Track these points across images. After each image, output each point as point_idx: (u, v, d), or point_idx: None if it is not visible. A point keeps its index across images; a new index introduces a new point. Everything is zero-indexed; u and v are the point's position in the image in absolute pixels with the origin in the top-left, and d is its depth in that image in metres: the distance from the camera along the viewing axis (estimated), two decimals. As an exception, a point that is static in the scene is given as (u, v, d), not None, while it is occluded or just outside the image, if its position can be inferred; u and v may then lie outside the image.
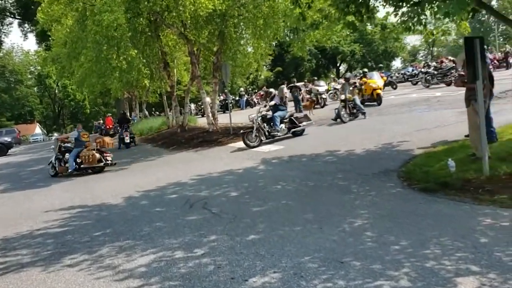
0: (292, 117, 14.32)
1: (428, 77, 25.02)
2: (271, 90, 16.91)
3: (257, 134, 13.61)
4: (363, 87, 18.47)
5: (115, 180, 11.58)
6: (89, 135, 14.81)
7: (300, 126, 14.15)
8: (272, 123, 13.84)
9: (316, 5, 8.25)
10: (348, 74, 18.92)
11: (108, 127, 30.45)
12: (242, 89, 37.96)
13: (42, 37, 37.83)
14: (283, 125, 13.95)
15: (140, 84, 21.66)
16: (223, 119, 22.31)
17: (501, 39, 65.25)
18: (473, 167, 6.96)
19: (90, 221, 7.44)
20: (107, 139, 14.13)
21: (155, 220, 6.82)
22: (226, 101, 32.25)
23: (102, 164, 13.65)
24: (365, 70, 23.31)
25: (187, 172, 11.13)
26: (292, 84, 20.78)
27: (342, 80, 33.84)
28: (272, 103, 14.30)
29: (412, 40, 79.48)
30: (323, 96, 22.30)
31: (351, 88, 16.16)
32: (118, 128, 22.62)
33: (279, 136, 13.94)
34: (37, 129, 67.90)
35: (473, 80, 6.45)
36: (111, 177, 12.38)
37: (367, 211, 5.84)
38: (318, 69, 59.20)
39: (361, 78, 20.29)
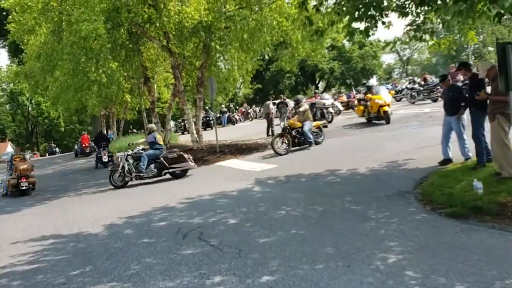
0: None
1: (413, 93, 24.67)
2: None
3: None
4: (368, 103, 17.32)
5: (93, 204, 10.46)
6: (23, 158, 14.92)
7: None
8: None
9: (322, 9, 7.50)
10: (299, 96, 17.08)
11: (84, 145, 29.02)
12: (223, 106, 37.11)
13: (15, 51, 36.27)
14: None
15: (119, 99, 20.53)
16: (206, 137, 21.39)
17: (473, 58, 66.45)
18: (503, 189, 6.23)
19: (65, 255, 6.37)
20: (22, 165, 13.31)
21: (144, 254, 5.81)
22: (208, 118, 31.50)
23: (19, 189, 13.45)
24: (370, 84, 22.69)
25: (174, 194, 10.14)
26: (279, 100, 19.97)
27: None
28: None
29: (387, 58, 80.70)
30: (330, 110, 20.69)
31: (300, 110, 14.37)
32: (95, 146, 21.36)
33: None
34: (9, 148, 65.29)
35: (506, 90, 5.73)
36: (89, 200, 11.25)
37: (397, 243, 4.99)
38: (297, 86, 59.00)
39: (365, 94, 19.75)
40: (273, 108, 19.72)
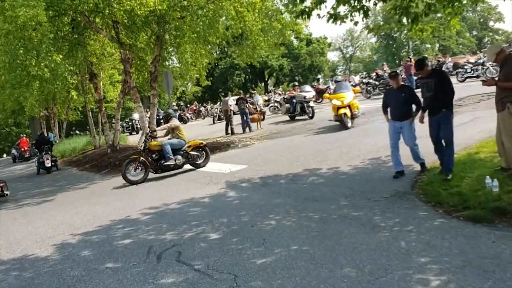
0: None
1: (369, 88, 24.48)
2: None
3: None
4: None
5: (39, 219, 8.99)
6: None
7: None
8: None
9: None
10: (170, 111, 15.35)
11: (23, 149, 26.62)
12: (174, 104, 35.59)
13: None
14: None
15: (63, 97, 18.54)
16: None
17: (412, 54, 68.61)
18: (520, 186, 5.58)
19: (7, 290, 5.07)
20: None
21: (111, 286, 4.64)
22: (158, 117, 29.88)
23: None
24: (338, 79, 21.99)
25: (134, 203, 8.89)
26: (238, 96, 18.93)
27: (276, 95, 32.89)
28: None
29: (331, 56, 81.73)
30: (311, 104, 18.59)
31: (170, 126, 11.93)
32: (36, 150, 19.38)
33: None
34: None
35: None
36: (33, 213, 9.73)
37: (429, 258, 4.14)
38: (246, 84, 58.10)
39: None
40: (231, 105, 18.67)
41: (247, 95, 30.31)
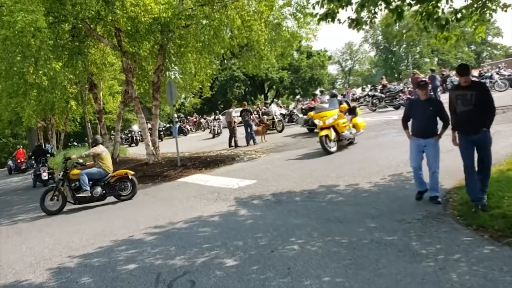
0: None
1: (375, 101, 24.00)
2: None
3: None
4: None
5: (33, 237, 8.32)
6: None
7: None
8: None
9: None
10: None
11: (19, 161, 25.90)
12: (175, 115, 35.01)
13: None
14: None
15: (61, 107, 17.85)
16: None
17: (410, 68, 68.50)
18: None
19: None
20: None
21: (117, 324, 4.00)
22: (172, 127, 29.34)
23: None
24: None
25: (137, 221, 8.24)
26: (243, 108, 18.38)
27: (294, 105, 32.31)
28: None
29: (330, 69, 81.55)
30: None
31: (91, 153, 10.89)
32: (33, 162, 18.70)
33: None
34: None
35: None
36: (27, 231, 9.05)
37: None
38: (246, 96, 57.66)
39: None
40: (235, 117, 18.11)
41: (263, 106, 29.56)
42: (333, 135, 12.16)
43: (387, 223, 5.82)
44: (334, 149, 12.08)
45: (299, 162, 11.87)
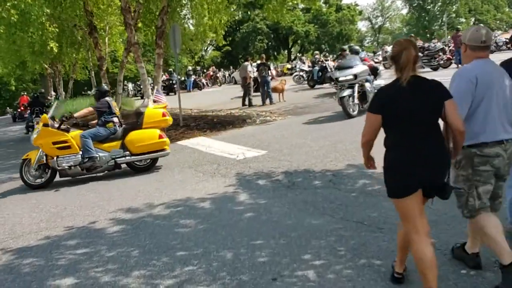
0: None
1: (410, 60, 21.37)
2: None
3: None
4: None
5: (10, 205, 6.64)
6: None
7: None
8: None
9: None
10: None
11: (22, 108, 24.40)
12: (190, 68, 32.94)
13: None
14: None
15: (39, 49, 15.48)
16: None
17: (445, 28, 64.10)
18: None
19: None
20: None
21: None
22: (171, 81, 27.33)
23: None
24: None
25: (110, 198, 6.47)
26: (260, 61, 16.15)
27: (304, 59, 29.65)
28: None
29: (359, 26, 77.23)
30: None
31: None
32: (28, 112, 17.10)
33: None
34: None
35: None
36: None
37: None
38: (268, 50, 54.79)
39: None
40: (251, 71, 15.93)
41: (296, 60, 26.96)
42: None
43: (457, 235, 3.81)
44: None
45: (321, 129, 9.81)
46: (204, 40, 17.72)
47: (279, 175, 6.56)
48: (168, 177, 7.39)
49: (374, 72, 11.87)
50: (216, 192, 6.06)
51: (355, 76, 10.43)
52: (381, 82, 10.67)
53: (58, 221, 5.67)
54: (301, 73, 22.99)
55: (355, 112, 10.29)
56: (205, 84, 31.12)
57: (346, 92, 10.27)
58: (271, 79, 15.74)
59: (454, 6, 72.69)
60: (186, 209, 5.49)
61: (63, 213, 6.02)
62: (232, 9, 14.95)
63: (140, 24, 16.27)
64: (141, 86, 27.75)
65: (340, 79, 10.51)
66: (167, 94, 27.31)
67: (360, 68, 10.70)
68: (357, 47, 12.63)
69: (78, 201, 6.54)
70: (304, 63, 27.87)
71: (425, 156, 2.75)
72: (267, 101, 15.41)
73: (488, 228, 2.93)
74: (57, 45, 11.42)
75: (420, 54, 17.06)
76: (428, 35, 68.55)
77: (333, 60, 21.02)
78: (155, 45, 13.40)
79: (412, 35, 30.14)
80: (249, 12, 54.61)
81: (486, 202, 3.02)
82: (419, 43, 24.97)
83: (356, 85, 10.37)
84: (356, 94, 10.33)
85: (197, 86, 29.85)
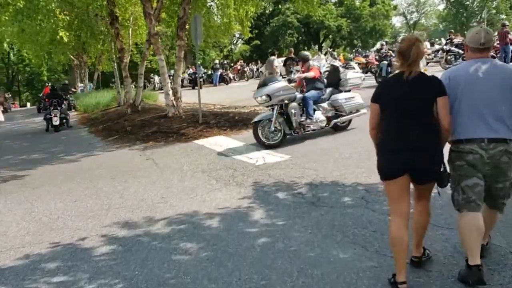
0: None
1: (450, 57, 20.01)
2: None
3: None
4: None
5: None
6: None
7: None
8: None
9: None
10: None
11: (46, 100, 24.16)
12: (216, 61, 32.16)
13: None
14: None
15: (47, 38, 14.77)
16: (191, 97, 16.85)
17: (484, 24, 61.30)
18: None
19: None
20: None
21: None
22: (196, 75, 26.61)
23: None
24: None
25: (108, 207, 5.69)
26: (288, 56, 15.16)
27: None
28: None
29: (394, 21, 74.80)
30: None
31: None
32: (47, 105, 16.57)
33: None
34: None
35: None
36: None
37: None
38: (299, 45, 53.50)
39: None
40: (278, 66, 14.99)
41: (327, 55, 25.36)
42: None
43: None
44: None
45: (353, 132, 8.83)
46: (229, 33, 16.78)
47: (302, 187, 5.65)
48: (178, 183, 6.58)
49: (333, 83, 9.21)
50: (228, 207, 5.20)
51: (269, 96, 8.19)
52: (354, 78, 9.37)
53: (45, 234, 4.93)
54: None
55: (273, 141, 8.19)
56: (231, 78, 30.27)
57: (259, 117, 8.43)
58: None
59: (494, 2, 69.57)
60: (190, 228, 4.65)
61: (54, 224, 5.28)
62: (259, 0, 13.92)
63: (164, 15, 15.53)
64: (160, 79, 27.37)
65: (258, 99, 8.54)
66: (192, 88, 26.64)
67: (276, 85, 8.30)
68: (306, 53, 10.03)
69: (74, 209, 5.81)
70: (336, 58, 26.55)
71: (409, 142, 2.95)
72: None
73: (461, 228, 3.03)
74: (67, 34, 10.74)
75: (461, 51, 15.55)
76: (465, 32, 65.67)
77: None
78: (176, 36, 12.63)
79: (452, 31, 28.37)
80: (279, 6, 53.49)
81: (472, 197, 3.02)
82: (459, 39, 23.40)
83: (276, 107, 8.19)
84: (274, 119, 8.14)
85: (223, 80, 29.04)
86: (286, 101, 8.29)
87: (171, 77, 14.79)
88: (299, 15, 47.24)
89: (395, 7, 62.56)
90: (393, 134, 3.03)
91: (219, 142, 9.41)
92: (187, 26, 12.47)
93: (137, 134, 11.54)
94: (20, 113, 29.12)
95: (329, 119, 8.63)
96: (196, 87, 25.11)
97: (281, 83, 8.49)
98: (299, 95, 8.53)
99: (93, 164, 8.88)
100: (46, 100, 16.67)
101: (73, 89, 25.64)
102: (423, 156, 2.95)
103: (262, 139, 8.16)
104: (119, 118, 15.11)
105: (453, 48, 20.11)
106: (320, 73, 8.93)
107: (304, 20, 48.33)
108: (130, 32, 19.14)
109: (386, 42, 30.32)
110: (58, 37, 10.47)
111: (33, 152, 11.22)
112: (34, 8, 8.41)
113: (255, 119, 8.39)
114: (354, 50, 33.32)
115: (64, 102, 16.83)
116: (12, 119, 23.29)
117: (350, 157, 6.79)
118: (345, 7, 53.43)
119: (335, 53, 30.72)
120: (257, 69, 31.97)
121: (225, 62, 37.29)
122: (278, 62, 15.07)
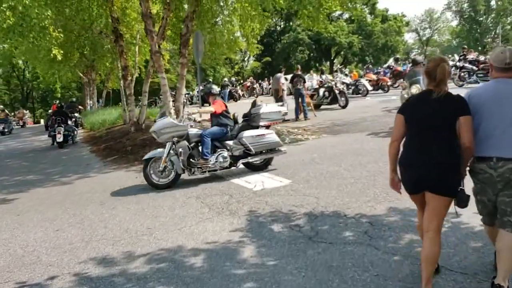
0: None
1: (463, 74, 19.37)
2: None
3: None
4: None
5: None
6: None
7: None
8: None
9: None
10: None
11: (52, 117, 24.06)
12: (225, 79, 31.93)
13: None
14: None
15: (44, 56, 14.37)
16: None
17: (499, 41, 60.31)
18: None
19: None
20: None
21: None
22: (198, 92, 26.31)
23: None
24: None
25: (92, 235, 5.28)
26: (295, 73, 14.71)
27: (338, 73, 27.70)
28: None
29: (406, 37, 74.20)
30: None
31: None
32: (53, 122, 16.42)
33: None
34: (-1, 112, 60.57)
35: None
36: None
37: None
38: (310, 62, 53.19)
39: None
40: (284, 84, 14.56)
41: (337, 72, 24.73)
42: None
43: None
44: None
45: (359, 153, 8.28)
46: (234, 50, 16.46)
47: (300, 218, 5.13)
48: (167, 211, 6.09)
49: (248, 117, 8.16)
50: (216, 241, 4.69)
51: (156, 134, 7.59)
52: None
53: (14, 272, 4.48)
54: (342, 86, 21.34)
55: (161, 182, 7.48)
56: (241, 95, 29.96)
57: (151, 154, 7.72)
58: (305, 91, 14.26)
59: (509, 18, 68.68)
60: (171, 268, 4.14)
61: (27, 258, 4.83)
62: (265, 17, 13.54)
63: (169, 32, 15.26)
64: (161, 97, 27.15)
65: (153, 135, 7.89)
66: (202, 104, 26.36)
67: (161, 123, 7.61)
68: (210, 86, 8.47)
69: (54, 240, 5.36)
70: (347, 75, 26.03)
71: (430, 157, 3.00)
72: (301, 116, 13.97)
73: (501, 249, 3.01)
74: (61, 52, 10.41)
75: (474, 67, 14.84)
76: (479, 48, 64.83)
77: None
78: (179, 54, 12.31)
79: (465, 47, 27.72)
80: (290, 23, 53.42)
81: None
82: (473, 55, 22.79)
83: (168, 144, 7.48)
84: (164, 156, 7.41)
85: (232, 97, 28.73)
86: (175, 139, 7.50)
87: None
88: (310, 32, 47.01)
89: (408, 23, 62.09)
90: (414, 148, 3.12)
91: (219, 164, 8.92)
92: (190, 43, 12.15)
93: (137, 154, 11.14)
94: (30, 130, 29.02)
95: (236, 158, 7.71)
96: (205, 104, 24.86)
97: (166, 120, 7.64)
98: (195, 132, 7.68)
99: (86, 187, 8.46)
100: (52, 117, 16.60)
101: (80, 107, 25.50)
102: (441, 167, 3.00)
103: (152, 178, 7.45)
104: (122, 136, 14.78)
105: (466, 65, 19.49)
106: (226, 107, 7.84)
107: (315, 36, 48.09)
108: (137, 49, 18.94)
109: (398, 58, 29.83)
110: (52, 54, 10.13)
111: (29, 173, 10.87)
112: (26, 25, 8.10)
113: (146, 156, 7.63)
114: (365, 67, 32.77)
115: (70, 119, 16.80)
116: (20, 137, 23.21)
117: (355, 183, 6.25)
118: (356, 24, 53.11)
119: (345, 70, 30.29)
120: (267, 86, 31.67)
121: (234, 79, 37.05)
122: (283, 79, 14.62)
